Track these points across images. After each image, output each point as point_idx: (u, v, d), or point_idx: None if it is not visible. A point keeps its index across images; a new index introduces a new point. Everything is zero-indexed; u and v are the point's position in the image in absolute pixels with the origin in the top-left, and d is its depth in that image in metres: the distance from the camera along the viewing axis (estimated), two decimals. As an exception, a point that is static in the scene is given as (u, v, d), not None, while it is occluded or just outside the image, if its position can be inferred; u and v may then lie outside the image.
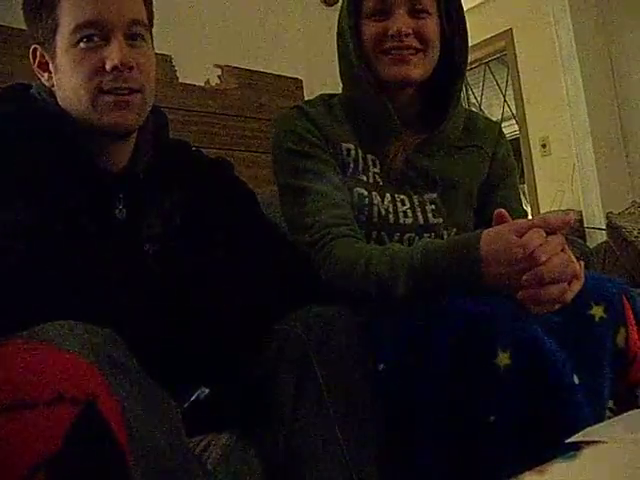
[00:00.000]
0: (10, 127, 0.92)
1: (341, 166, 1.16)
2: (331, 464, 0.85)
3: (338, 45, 1.21)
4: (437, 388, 0.92)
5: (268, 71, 2.56)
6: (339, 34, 1.20)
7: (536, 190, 4.30)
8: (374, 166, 1.17)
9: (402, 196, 1.16)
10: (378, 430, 0.91)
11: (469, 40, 1.21)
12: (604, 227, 3.05)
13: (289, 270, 1.02)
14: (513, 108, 4.66)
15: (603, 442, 0.43)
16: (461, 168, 1.21)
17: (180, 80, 2.26)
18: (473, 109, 5.06)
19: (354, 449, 0.87)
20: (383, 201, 1.14)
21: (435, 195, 1.18)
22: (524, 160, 4.43)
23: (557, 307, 0.91)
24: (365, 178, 1.16)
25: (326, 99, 1.25)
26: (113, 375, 0.64)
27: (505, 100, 4.99)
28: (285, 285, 0.99)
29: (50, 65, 0.96)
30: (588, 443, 0.45)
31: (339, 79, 1.25)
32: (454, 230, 1.18)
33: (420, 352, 0.95)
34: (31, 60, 0.98)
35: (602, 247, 2.88)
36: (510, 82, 4.58)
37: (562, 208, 3.83)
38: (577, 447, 0.44)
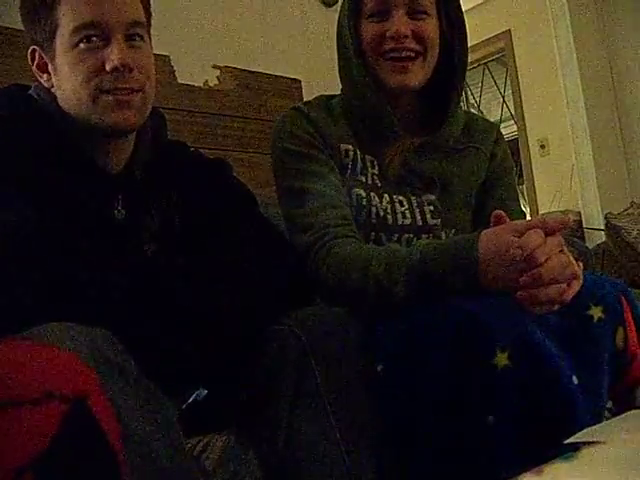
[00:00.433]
0: (9, 128, 0.92)
1: (340, 167, 1.16)
2: (330, 464, 0.85)
3: (338, 46, 1.21)
4: (435, 389, 0.92)
5: (267, 72, 2.56)
6: (338, 35, 1.21)
7: (535, 190, 4.30)
8: (372, 167, 1.17)
9: (400, 197, 1.16)
10: (377, 430, 0.92)
11: (468, 41, 1.21)
12: (603, 228, 3.06)
13: (287, 271, 1.02)
14: (512, 109, 4.66)
15: (602, 443, 0.43)
16: (459, 169, 1.21)
17: (179, 81, 2.25)
18: (472, 110, 5.07)
19: (353, 449, 0.87)
20: (381, 202, 1.14)
21: (433, 196, 1.18)
22: (523, 161, 4.43)
23: (556, 307, 0.91)
24: (364, 179, 1.16)
25: (325, 100, 1.25)
26: (109, 376, 0.64)
27: (504, 101, 4.99)
28: (283, 285, 0.99)
29: (49, 66, 0.96)
30: (587, 444, 0.45)
31: (338, 80, 1.25)
32: (452, 231, 1.18)
33: (418, 353, 0.95)
34: (29, 61, 0.98)
35: (601, 247, 2.88)
36: (509, 83, 4.58)
37: (561, 209, 3.84)
38: (576, 447, 0.44)
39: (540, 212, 4.16)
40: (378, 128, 1.17)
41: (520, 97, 4.37)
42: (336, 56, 1.23)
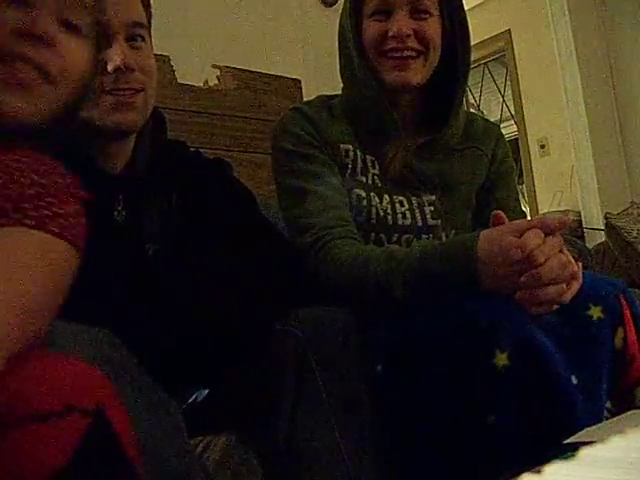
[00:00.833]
0: None
1: (340, 167, 1.16)
2: (330, 464, 0.85)
3: (339, 45, 1.21)
4: (435, 389, 0.92)
5: (267, 72, 2.56)
6: (340, 34, 1.21)
7: (535, 191, 4.31)
8: (373, 167, 1.17)
9: (401, 197, 1.16)
10: (377, 431, 0.92)
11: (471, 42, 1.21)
12: (603, 228, 3.06)
13: (288, 270, 1.02)
14: (512, 109, 4.66)
15: (602, 443, 0.43)
16: (460, 170, 1.21)
17: (179, 81, 2.25)
18: (472, 110, 5.07)
19: (353, 450, 0.87)
20: (381, 202, 1.14)
21: (434, 197, 1.18)
22: (523, 161, 4.44)
23: (554, 308, 0.91)
24: (364, 179, 1.16)
25: (325, 100, 1.25)
26: (115, 378, 0.64)
27: (504, 101, 5.00)
28: (283, 285, 0.99)
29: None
30: (586, 444, 0.45)
31: (338, 79, 1.25)
32: (453, 232, 1.18)
33: (418, 353, 0.95)
34: None
35: (601, 248, 2.88)
36: (509, 83, 4.58)
37: (561, 209, 3.84)
38: (576, 448, 0.44)
39: (540, 212, 4.16)
40: (379, 128, 1.17)
41: (520, 97, 4.37)
42: (337, 55, 1.23)
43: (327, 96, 1.27)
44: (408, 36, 1.12)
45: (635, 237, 2.67)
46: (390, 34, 1.12)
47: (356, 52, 1.15)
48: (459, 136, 1.22)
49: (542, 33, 4.01)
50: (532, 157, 4.32)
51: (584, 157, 3.67)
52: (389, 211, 1.14)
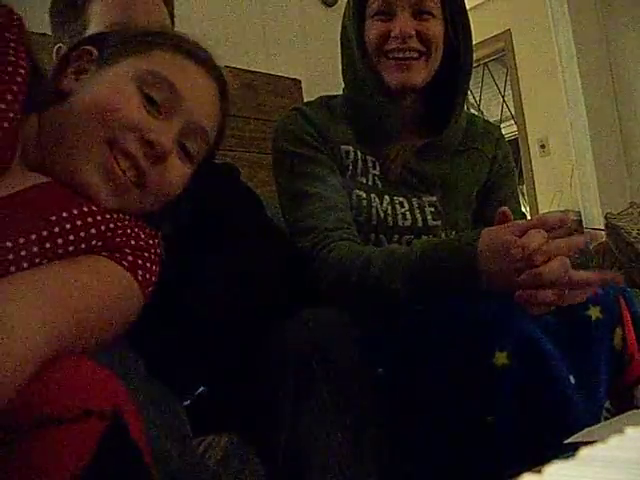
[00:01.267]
0: None
1: (340, 168, 1.15)
2: (331, 465, 0.85)
3: (341, 46, 1.21)
4: (435, 389, 0.92)
5: (267, 72, 2.56)
6: (343, 35, 1.21)
7: (535, 191, 4.31)
8: (374, 168, 1.17)
9: (401, 199, 1.16)
10: (378, 431, 0.92)
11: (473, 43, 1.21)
12: (603, 228, 3.06)
13: (289, 271, 1.02)
14: (512, 109, 4.66)
15: (602, 443, 0.43)
16: (461, 171, 1.21)
17: (179, 80, 2.26)
18: (472, 110, 5.07)
19: (354, 450, 0.87)
20: (382, 203, 1.14)
21: (434, 198, 1.17)
22: (523, 161, 4.44)
23: (552, 308, 0.91)
24: (364, 180, 1.16)
25: (326, 100, 1.25)
26: (123, 378, 0.64)
27: (504, 101, 5.00)
28: (285, 286, 0.99)
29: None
30: (587, 443, 0.45)
31: (338, 79, 1.25)
32: (453, 233, 1.18)
33: (418, 354, 0.95)
34: (54, 58, 1.00)
35: (601, 248, 2.88)
36: (509, 83, 4.59)
37: (561, 209, 3.84)
38: (576, 448, 0.44)
39: (540, 212, 4.16)
40: (380, 128, 1.17)
41: (520, 97, 4.38)
42: (339, 56, 1.23)
43: (327, 97, 1.27)
44: (410, 36, 1.12)
45: (635, 237, 2.67)
46: (393, 34, 1.12)
47: (358, 53, 1.15)
48: (460, 137, 1.22)
49: (542, 33, 4.01)
50: (532, 157, 4.32)
51: (584, 157, 3.67)
52: (389, 212, 1.14)
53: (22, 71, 0.66)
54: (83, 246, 0.67)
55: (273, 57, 2.64)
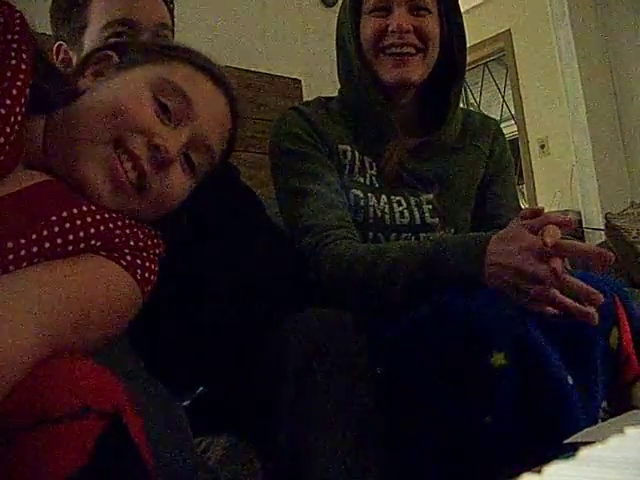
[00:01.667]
0: None
1: (338, 167, 1.16)
2: (331, 465, 0.85)
3: (337, 45, 1.21)
4: (434, 390, 0.93)
5: (267, 71, 2.56)
6: (338, 33, 1.21)
7: (535, 190, 4.30)
8: (371, 168, 1.17)
9: (398, 197, 1.16)
10: (377, 431, 0.92)
11: (467, 42, 1.21)
12: (603, 227, 3.06)
13: (290, 271, 1.02)
14: (512, 109, 4.66)
15: (601, 443, 0.43)
16: (457, 168, 1.21)
17: (179, 80, 2.26)
18: (471, 109, 5.06)
19: (354, 450, 0.87)
20: (379, 202, 1.14)
21: (432, 196, 1.18)
22: (523, 161, 4.44)
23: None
24: (362, 180, 1.16)
25: (323, 101, 1.25)
26: (124, 378, 0.64)
27: (504, 101, 5.00)
28: (285, 285, 0.99)
29: (74, 61, 0.98)
30: (586, 444, 0.45)
31: (338, 79, 1.25)
32: (452, 230, 1.18)
33: (417, 354, 0.95)
34: (54, 56, 1.01)
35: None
36: (509, 83, 4.58)
37: (561, 209, 3.84)
38: (576, 448, 0.44)
39: (540, 212, 4.15)
40: (377, 127, 1.17)
41: (520, 97, 4.37)
42: (336, 55, 1.23)
43: (325, 98, 1.27)
44: (408, 32, 1.12)
45: (635, 237, 2.67)
46: (390, 29, 1.12)
47: (354, 51, 1.15)
48: (456, 135, 1.22)
49: (542, 33, 4.01)
50: (532, 157, 4.32)
51: (584, 157, 3.66)
52: (387, 211, 1.14)
53: (22, 76, 0.65)
54: (82, 246, 0.67)
55: (273, 57, 2.64)
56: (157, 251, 0.75)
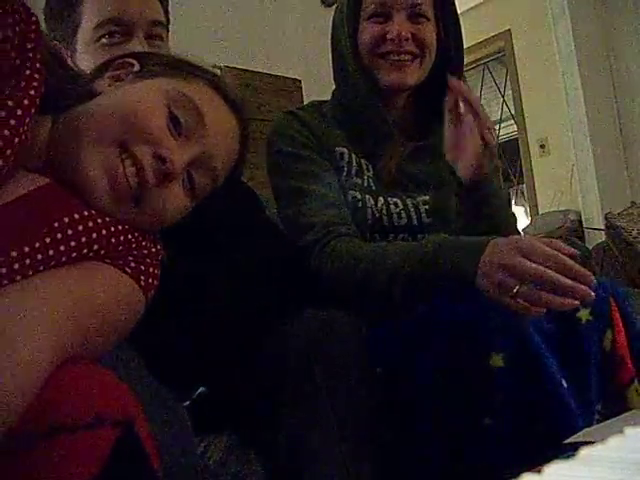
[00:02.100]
0: None
1: (335, 169, 1.16)
2: (331, 466, 0.85)
3: (333, 47, 1.22)
4: (433, 391, 0.93)
5: (267, 71, 2.56)
6: (334, 37, 1.21)
7: (535, 191, 4.31)
8: (367, 170, 1.18)
9: (395, 199, 1.16)
10: (376, 432, 0.92)
11: (465, 43, 1.22)
12: (603, 227, 3.06)
13: (289, 271, 1.02)
14: (512, 108, 4.66)
15: (601, 443, 0.43)
16: (451, 170, 1.21)
17: (179, 80, 2.26)
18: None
19: (353, 451, 0.87)
20: (376, 204, 1.14)
21: (427, 197, 1.18)
22: (523, 161, 4.44)
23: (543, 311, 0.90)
24: (360, 181, 1.16)
25: (317, 105, 1.26)
26: (126, 380, 0.64)
27: (504, 100, 5.00)
28: (285, 285, 0.99)
29: (69, 61, 0.98)
30: (586, 443, 0.45)
31: (333, 81, 1.26)
32: (448, 230, 1.19)
33: (416, 355, 0.95)
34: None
35: (601, 248, 2.88)
36: (509, 82, 4.58)
37: (561, 209, 3.84)
38: (576, 448, 0.44)
39: (540, 212, 4.16)
40: (373, 130, 1.18)
41: (520, 97, 4.37)
42: (331, 58, 1.23)
43: (319, 102, 1.28)
44: (406, 39, 1.13)
45: (635, 237, 2.67)
46: (389, 37, 1.13)
47: (350, 55, 1.16)
48: None
49: (542, 33, 4.01)
50: (532, 157, 4.32)
51: (584, 157, 3.66)
52: (384, 212, 1.14)
53: (35, 84, 0.64)
54: (85, 251, 0.66)
55: (273, 57, 2.64)
56: (159, 256, 0.75)
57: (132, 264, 0.70)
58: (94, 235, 0.68)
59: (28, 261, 0.61)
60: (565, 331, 0.94)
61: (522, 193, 4.69)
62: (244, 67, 2.47)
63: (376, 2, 1.14)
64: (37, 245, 0.62)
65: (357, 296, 1.02)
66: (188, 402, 0.95)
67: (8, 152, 0.62)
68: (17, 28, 0.60)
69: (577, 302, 0.83)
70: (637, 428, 0.46)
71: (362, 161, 1.18)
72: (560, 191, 3.96)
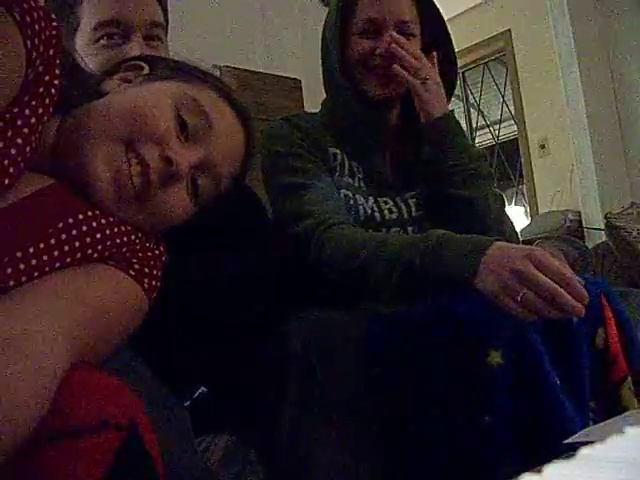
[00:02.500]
0: None
1: (329, 169, 1.20)
2: (330, 465, 0.85)
3: (322, 57, 1.26)
4: (432, 390, 0.93)
5: (267, 71, 2.56)
6: (323, 49, 1.25)
7: (535, 190, 4.31)
8: (358, 172, 1.22)
9: (385, 198, 1.21)
10: (377, 431, 0.92)
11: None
12: (603, 227, 3.06)
13: (290, 271, 1.03)
14: (512, 108, 4.66)
15: (601, 443, 0.43)
16: None
17: (179, 80, 2.25)
18: (472, 111, 5.07)
19: (353, 450, 0.87)
20: (368, 202, 1.19)
21: (414, 192, 1.23)
22: (523, 161, 4.44)
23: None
24: (351, 181, 1.20)
25: (309, 114, 1.32)
26: (128, 380, 0.64)
27: (504, 100, 4.99)
28: (288, 287, 1.00)
29: (79, 60, 0.98)
30: (586, 443, 0.45)
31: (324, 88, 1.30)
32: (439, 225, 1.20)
33: (414, 355, 0.95)
34: None
35: (601, 247, 2.88)
36: (509, 82, 4.58)
37: (561, 208, 3.84)
38: (575, 448, 0.44)
39: (540, 212, 4.16)
40: (362, 139, 1.22)
41: (520, 97, 4.38)
42: (321, 66, 1.27)
43: (306, 113, 1.35)
44: (395, 56, 1.16)
45: (635, 237, 2.67)
46: (378, 52, 1.18)
47: (338, 68, 1.20)
48: None
49: (542, 33, 4.01)
50: (532, 157, 4.32)
51: (584, 157, 3.66)
52: (376, 209, 1.19)
53: (53, 91, 0.64)
54: (89, 252, 0.67)
55: (273, 57, 2.64)
56: (162, 258, 0.75)
57: (136, 266, 0.70)
58: (98, 236, 0.68)
59: (34, 262, 0.61)
60: (556, 330, 0.94)
61: (522, 193, 4.69)
62: (244, 67, 2.47)
63: (365, 19, 1.19)
64: (42, 246, 0.62)
65: (354, 282, 1.04)
66: (188, 402, 0.95)
67: (19, 159, 0.62)
68: (42, 35, 0.60)
69: (572, 315, 0.87)
70: (637, 428, 0.46)
71: (353, 163, 1.22)
72: (560, 191, 3.97)
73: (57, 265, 0.63)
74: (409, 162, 1.24)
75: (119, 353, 0.70)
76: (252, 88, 2.47)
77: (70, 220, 0.66)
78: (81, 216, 0.67)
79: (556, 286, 0.85)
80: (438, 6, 1.26)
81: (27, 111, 0.62)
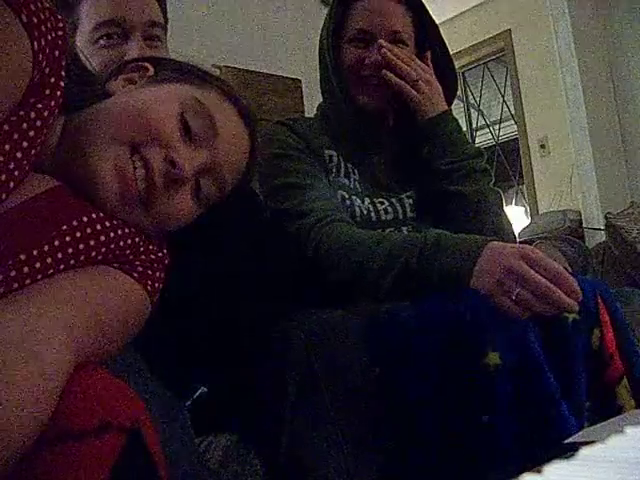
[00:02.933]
0: None
1: (325, 171, 1.21)
2: (331, 465, 0.85)
3: (319, 61, 1.27)
4: (432, 390, 0.93)
5: (267, 71, 2.56)
6: (320, 53, 1.26)
7: (535, 191, 4.31)
8: (354, 174, 1.23)
9: (380, 199, 1.21)
10: (377, 432, 0.92)
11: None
12: (603, 227, 3.06)
13: (291, 271, 1.03)
14: (512, 108, 4.66)
15: (601, 443, 0.43)
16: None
17: (179, 80, 2.26)
18: (472, 111, 5.07)
19: (353, 450, 0.87)
20: (363, 203, 1.19)
21: (409, 193, 1.23)
22: (523, 161, 4.44)
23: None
24: (347, 182, 1.21)
25: (305, 118, 1.33)
26: (129, 380, 0.63)
27: (504, 100, 4.99)
28: (288, 287, 1.00)
29: (83, 59, 0.98)
30: (586, 443, 0.45)
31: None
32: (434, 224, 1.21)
33: (414, 355, 0.95)
34: None
35: (601, 247, 2.88)
36: (509, 82, 4.58)
37: (561, 208, 3.84)
38: (576, 448, 0.44)
39: (540, 212, 4.16)
40: (357, 143, 1.23)
41: (520, 97, 4.38)
42: (318, 71, 1.28)
43: (303, 118, 1.35)
44: (385, 66, 1.17)
45: (635, 237, 2.67)
46: (367, 62, 1.18)
47: (332, 75, 1.21)
48: None
49: (542, 33, 4.01)
50: (532, 157, 4.32)
51: (584, 157, 3.66)
52: (371, 209, 1.19)
53: (58, 92, 0.64)
54: (93, 254, 0.66)
55: (272, 57, 2.64)
56: (165, 260, 0.75)
57: (139, 268, 0.70)
58: (102, 238, 0.67)
59: (38, 264, 0.61)
60: (552, 331, 0.94)
61: (522, 193, 4.69)
62: (244, 67, 2.47)
63: (357, 28, 1.20)
64: (46, 248, 0.62)
65: (350, 278, 1.05)
66: (188, 402, 0.95)
67: (25, 162, 0.62)
68: (49, 36, 0.60)
69: (565, 311, 0.90)
70: (637, 428, 0.46)
71: (349, 165, 1.23)
72: (560, 191, 3.97)
73: (61, 267, 0.63)
74: (405, 163, 1.25)
75: (122, 354, 0.70)
76: (252, 88, 2.47)
77: (74, 222, 0.66)
78: (85, 218, 0.67)
79: (549, 283, 0.87)
80: (431, 14, 1.27)
81: (33, 114, 0.61)
